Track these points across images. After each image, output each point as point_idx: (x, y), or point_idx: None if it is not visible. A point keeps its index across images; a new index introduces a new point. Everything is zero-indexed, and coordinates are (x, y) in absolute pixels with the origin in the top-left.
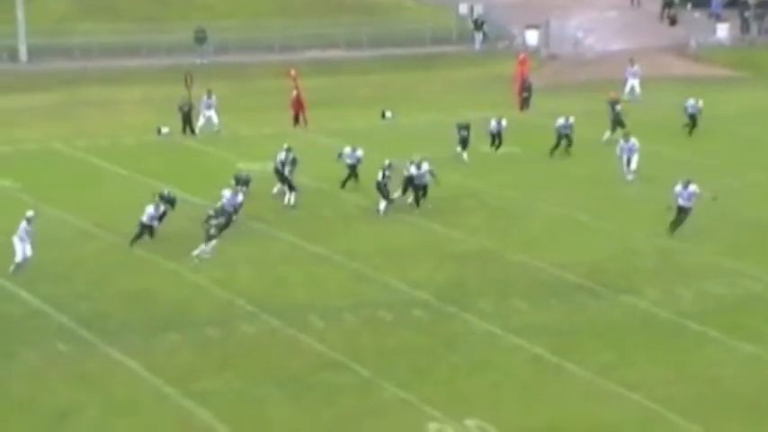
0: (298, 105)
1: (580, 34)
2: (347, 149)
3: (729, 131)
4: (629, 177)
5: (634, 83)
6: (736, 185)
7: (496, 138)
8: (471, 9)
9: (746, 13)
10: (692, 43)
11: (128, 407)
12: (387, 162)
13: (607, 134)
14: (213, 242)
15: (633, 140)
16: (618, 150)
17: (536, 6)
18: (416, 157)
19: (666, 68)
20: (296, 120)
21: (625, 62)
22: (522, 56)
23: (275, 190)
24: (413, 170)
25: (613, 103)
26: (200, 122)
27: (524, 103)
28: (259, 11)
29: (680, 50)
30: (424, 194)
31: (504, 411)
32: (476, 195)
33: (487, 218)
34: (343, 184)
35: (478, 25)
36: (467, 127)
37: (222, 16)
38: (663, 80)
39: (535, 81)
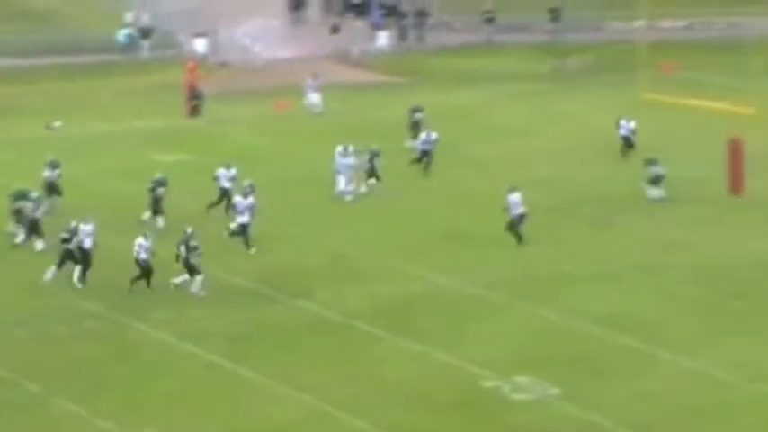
0: None
1: (248, 42)
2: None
3: (394, 135)
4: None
5: (314, 96)
6: (406, 189)
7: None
8: (138, 17)
9: (404, 22)
10: (355, 51)
11: None
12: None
13: (409, 141)
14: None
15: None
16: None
17: (203, 14)
18: None
19: (331, 75)
20: None
21: (293, 69)
22: (190, 64)
23: None
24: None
25: (414, 110)
26: None
27: (195, 111)
28: None
29: (343, 58)
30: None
31: (179, 419)
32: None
33: (165, 228)
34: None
35: (146, 33)
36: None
37: None
38: (328, 87)
39: (205, 88)
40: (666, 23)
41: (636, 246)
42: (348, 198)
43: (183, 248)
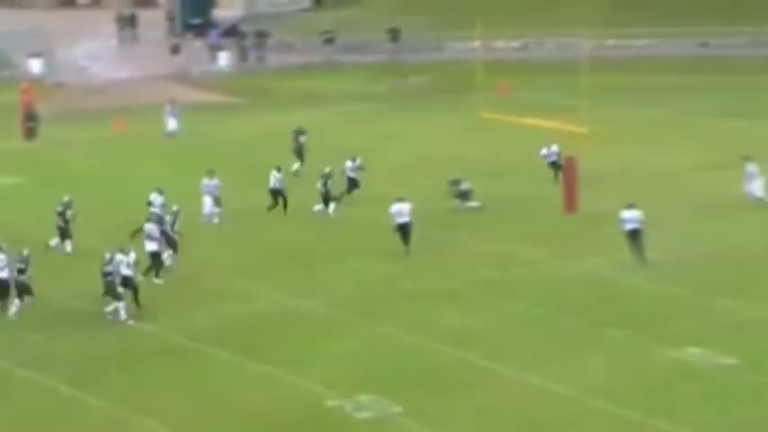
0: None
1: (85, 62)
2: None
3: (235, 156)
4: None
5: (172, 122)
6: (249, 209)
7: None
8: None
9: (244, 42)
10: (195, 71)
11: None
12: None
13: (296, 165)
14: None
15: None
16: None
17: (39, 35)
18: None
19: (171, 96)
20: None
21: (132, 89)
22: (25, 85)
23: None
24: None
25: (298, 133)
26: None
27: (30, 133)
28: None
29: (183, 78)
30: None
31: None
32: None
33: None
34: None
35: None
36: None
37: None
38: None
39: (42, 110)
40: (501, 44)
41: (474, 263)
42: (215, 220)
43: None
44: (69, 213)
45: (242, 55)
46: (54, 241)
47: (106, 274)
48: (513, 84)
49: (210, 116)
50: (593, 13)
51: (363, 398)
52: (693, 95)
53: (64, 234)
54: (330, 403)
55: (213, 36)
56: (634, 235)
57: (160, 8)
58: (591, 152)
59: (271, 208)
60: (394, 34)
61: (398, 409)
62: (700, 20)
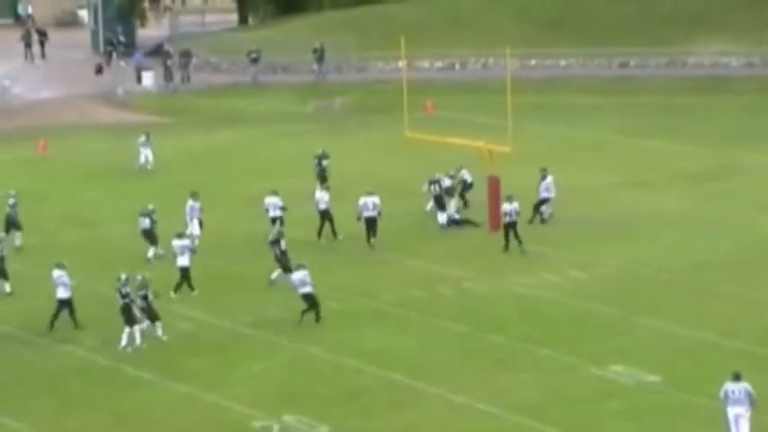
0: None
1: (7, 83)
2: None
3: (165, 176)
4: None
5: (147, 153)
6: (170, 229)
7: None
8: None
9: (169, 62)
10: (120, 91)
11: None
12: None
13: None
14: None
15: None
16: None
17: None
18: None
19: (96, 116)
20: None
21: (56, 109)
22: None
23: None
24: None
25: (320, 157)
26: None
27: None
28: None
29: (108, 98)
30: None
31: None
32: None
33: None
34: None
35: None
36: None
37: None
38: (92, 128)
39: None
40: (425, 64)
41: (399, 282)
42: (196, 242)
43: None
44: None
45: (167, 75)
46: None
47: (124, 296)
48: (438, 103)
49: (135, 136)
50: (516, 33)
51: (289, 418)
52: (613, 115)
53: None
54: (257, 424)
55: (137, 56)
56: (512, 227)
57: (84, 28)
58: (514, 171)
59: (321, 231)
60: (319, 54)
61: (324, 428)
62: (620, 41)
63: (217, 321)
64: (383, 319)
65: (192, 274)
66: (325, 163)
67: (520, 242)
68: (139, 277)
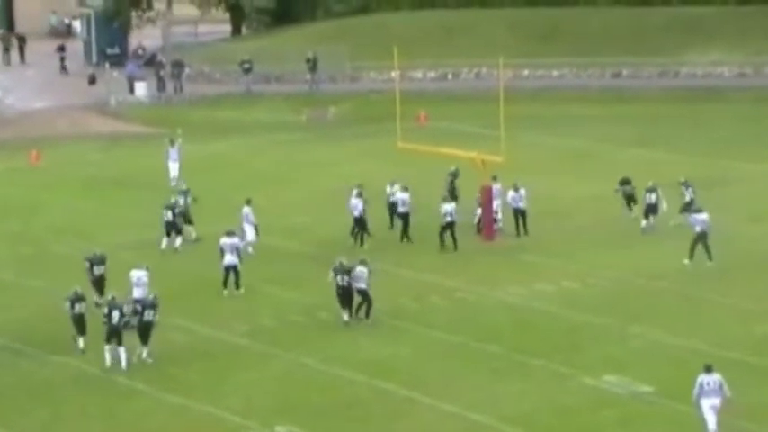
0: None
1: (0, 93)
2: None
3: (158, 186)
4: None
5: (174, 166)
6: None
7: None
8: None
9: (162, 73)
10: (112, 102)
11: None
12: None
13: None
14: None
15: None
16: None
17: None
18: None
19: (89, 126)
20: None
21: (49, 120)
22: None
23: None
24: None
25: (453, 175)
26: None
27: None
28: None
29: (101, 109)
30: None
31: None
32: None
33: None
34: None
35: None
36: None
37: None
38: (85, 138)
39: None
40: (418, 74)
41: (392, 291)
42: (249, 249)
43: None
44: None
45: (160, 85)
46: None
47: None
48: (431, 113)
49: (129, 146)
50: (509, 44)
51: (281, 429)
52: (606, 125)
53: None
54: None
55: (131, 66)
56: (451, 227)
57: (77, 38)
58: (507, 181)
59: (355, 236)
60: (312, 64)
61: None
62: (613, 51)
63: (211, 331)
64: (376, 328)
65: (189, 282)
66: (456, 182)
67: (455, 245)
68: (109, 297)
